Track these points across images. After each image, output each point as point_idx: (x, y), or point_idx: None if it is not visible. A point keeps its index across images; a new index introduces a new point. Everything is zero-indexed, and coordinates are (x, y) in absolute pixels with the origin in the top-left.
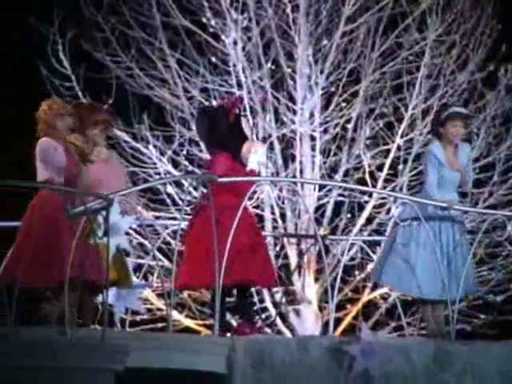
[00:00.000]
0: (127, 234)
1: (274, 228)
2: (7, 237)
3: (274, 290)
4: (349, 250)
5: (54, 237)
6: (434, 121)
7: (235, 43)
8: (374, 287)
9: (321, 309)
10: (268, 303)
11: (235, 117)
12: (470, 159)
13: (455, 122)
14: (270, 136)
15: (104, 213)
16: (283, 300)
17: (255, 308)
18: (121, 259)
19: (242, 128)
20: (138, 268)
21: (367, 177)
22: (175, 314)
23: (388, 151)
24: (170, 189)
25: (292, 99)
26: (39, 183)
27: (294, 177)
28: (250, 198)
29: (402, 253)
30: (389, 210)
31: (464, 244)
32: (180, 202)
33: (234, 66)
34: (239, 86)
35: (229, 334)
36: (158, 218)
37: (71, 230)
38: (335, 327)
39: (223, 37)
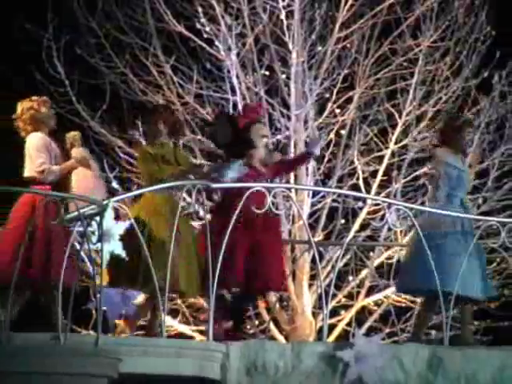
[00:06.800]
0: (121, 239)
1: None
2: None
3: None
4: (343, 255)
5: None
6: (446, 127)
7: (229, 49)
8: (368, 293)
9: (314, 315)
10: (262, 309)
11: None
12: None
13: (469, 129)
14: None
15: (98, 218)
16: (277, 306)
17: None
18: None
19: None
20: None
21: (361, 183)
22: (169, 320)
23: (382, 157)
24: None
25: (286, 105)
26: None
27: (288, 183)
28: None
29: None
30: (383, 217)
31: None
32: None
33: (228, 71)
34: (233, 91)
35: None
36: None
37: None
38: (329, 333)
39: (217, 43)
